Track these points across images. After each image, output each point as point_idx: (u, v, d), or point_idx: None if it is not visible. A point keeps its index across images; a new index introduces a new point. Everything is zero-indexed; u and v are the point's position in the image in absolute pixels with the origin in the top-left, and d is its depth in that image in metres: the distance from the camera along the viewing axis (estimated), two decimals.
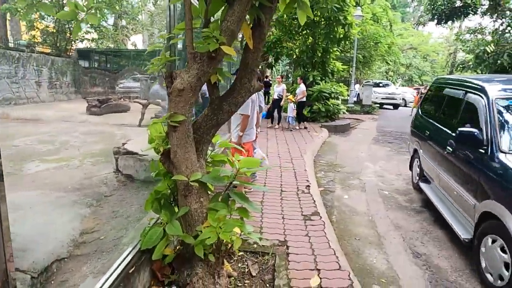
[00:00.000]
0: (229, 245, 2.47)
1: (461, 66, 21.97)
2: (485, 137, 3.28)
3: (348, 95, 16.82)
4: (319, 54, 12.76)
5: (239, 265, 2.95)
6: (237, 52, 5.77)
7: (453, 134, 3.85)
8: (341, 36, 11.94)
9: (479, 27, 17.67)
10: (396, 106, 21.76)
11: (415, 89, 29.29)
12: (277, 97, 10.26)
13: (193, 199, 2.32)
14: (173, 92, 2.16)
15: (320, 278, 2.78)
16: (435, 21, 16.73)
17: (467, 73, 31.63)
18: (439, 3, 16.64)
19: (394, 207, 4.88)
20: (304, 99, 10.49)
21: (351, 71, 17.80)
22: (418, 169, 5.37)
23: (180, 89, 2.14)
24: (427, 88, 6.53)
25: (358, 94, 21.68)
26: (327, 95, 12.28)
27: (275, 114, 10.63)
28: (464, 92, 4.19)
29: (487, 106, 3.46)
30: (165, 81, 2.24)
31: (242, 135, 4.37)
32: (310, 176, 5.71)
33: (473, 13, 16.18)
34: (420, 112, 5.82)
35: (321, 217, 4.01)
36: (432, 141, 4.75)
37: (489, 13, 16.62)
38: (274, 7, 2.30)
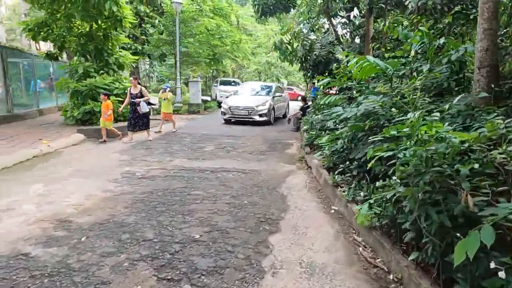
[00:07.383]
0: None
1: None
2: None
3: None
4: (98, 41, 10.22)
5: None
6: None
7: None
8: (107, 15, 9.48)
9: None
10: None
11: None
12: None
13: None
14: None
15: None
16: (259, 13, 15.95)
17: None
18: None
19: None
20: None
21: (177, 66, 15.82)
22: None
23: None
24: None
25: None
26: (104, 91, 9.81)
27: None
28: None
29: None
30: None
31: None
32: None
33: (293, 6, 15.88)
34: None
35: None
36: None
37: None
38: None
